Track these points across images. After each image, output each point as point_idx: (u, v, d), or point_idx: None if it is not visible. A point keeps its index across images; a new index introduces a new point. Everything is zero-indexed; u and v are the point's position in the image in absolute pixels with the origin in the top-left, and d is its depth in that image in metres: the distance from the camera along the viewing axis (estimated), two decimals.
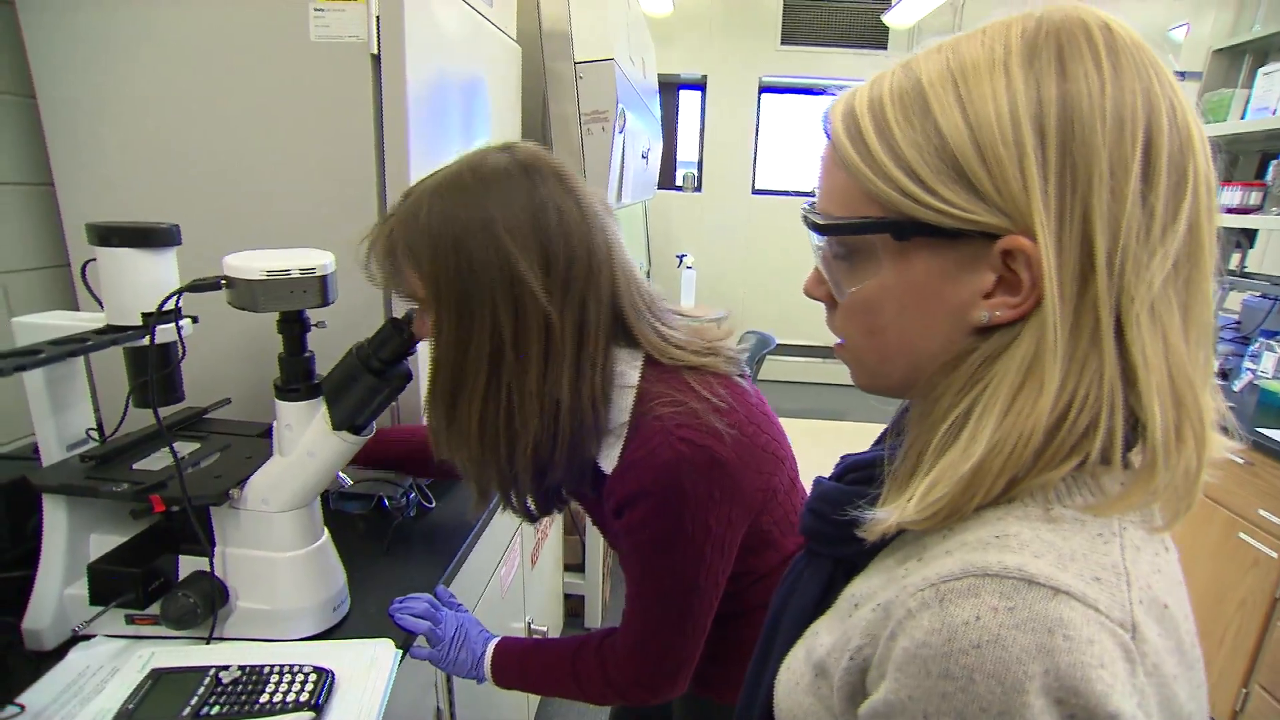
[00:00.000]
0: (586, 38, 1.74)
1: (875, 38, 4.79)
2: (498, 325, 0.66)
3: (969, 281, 0.38)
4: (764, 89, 4.96)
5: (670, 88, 4.91)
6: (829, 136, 0.42)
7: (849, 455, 0.51)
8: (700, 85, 4.90)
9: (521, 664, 0.86)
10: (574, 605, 2.29)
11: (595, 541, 2.17)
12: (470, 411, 0.70)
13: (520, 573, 1.53)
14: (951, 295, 0.38)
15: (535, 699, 1.80)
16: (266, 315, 0.79)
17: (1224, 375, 2.24)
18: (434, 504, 1.16)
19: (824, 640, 0.43)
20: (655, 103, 2.83)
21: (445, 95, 1.16)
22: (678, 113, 5.06)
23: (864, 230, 0.40)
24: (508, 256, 0.65)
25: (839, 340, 0.46)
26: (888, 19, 4.44)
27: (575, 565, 2.24)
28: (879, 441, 0.52)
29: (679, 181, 5.09)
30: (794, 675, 0.45)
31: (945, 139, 0.36)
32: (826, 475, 0.52)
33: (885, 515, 0.39)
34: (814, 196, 0.44)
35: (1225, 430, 0.39)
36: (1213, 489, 1.84)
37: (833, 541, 0.47)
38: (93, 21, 1.02)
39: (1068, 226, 0.34)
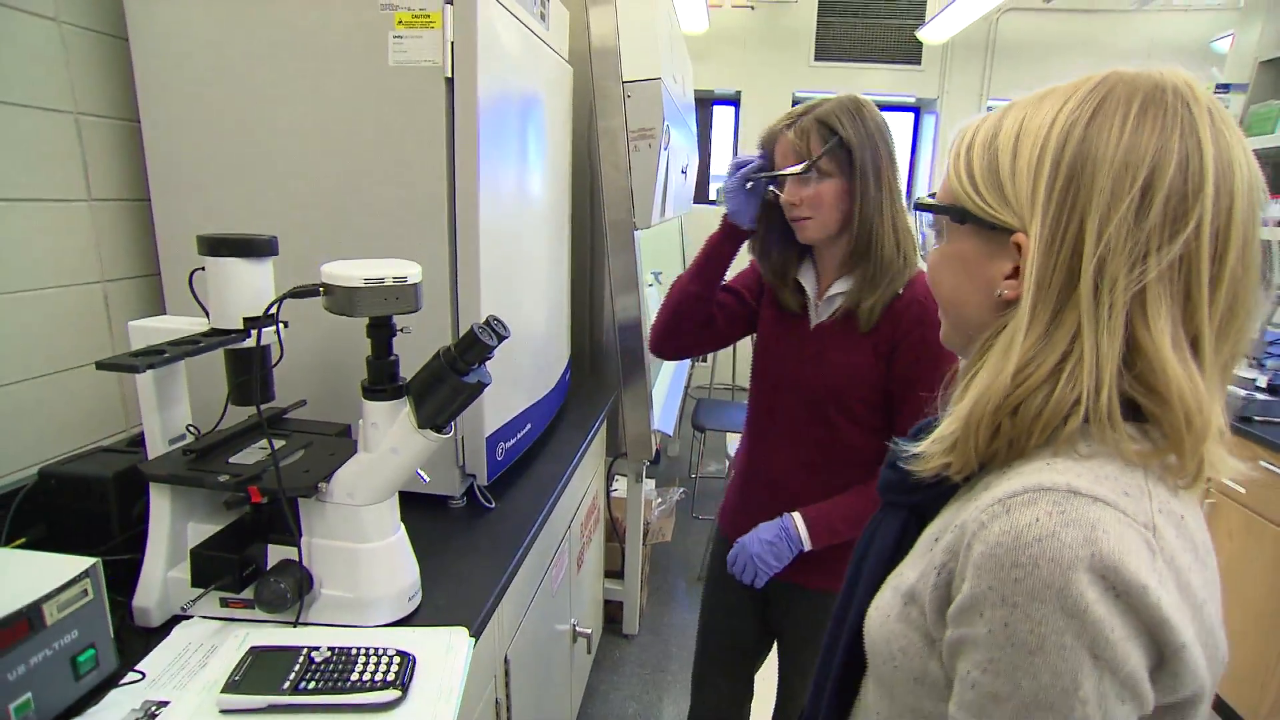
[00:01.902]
0: (634, 57, 1.81)
1: (908, 54, 4.81)
2: None
3: (996, 264, 0.51)
4: (797, 104, 5.00)
5: (704, 103, 4.98)
6: (954, 151, 0.56)
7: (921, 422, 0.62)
8: (734, 101, 4.96)
9: (829, 521, 1.08)
10: (612, 610, 2.33)
11: (634, 549, 2.21)
12: None
13: (568, 575, 1.58)
14: (984, 271, 0.52)
15: (580, 690, 1.83)
16: (341, 321, 0.85)
17: (1275, 390, 2.20)
18: (494, 505, 1.21)
19: (909, 575, 0.52)
20: (692, 118, 2.89)
21: (509, 114, 1.23)
22: (711, 127, 5.12)
23: (938, 210, 0.55)
24: None
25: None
26: (921, 35, 4.46)
27: (614, 572, 2.28)
28: None
29: (713, 195, 5.15)
30: (885, 609, 0.53)
31: (996, 164, 0.50)
32: None
33: (923, 446, 0.52)
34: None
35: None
36: (1267, 506, 1.85)
37: (907, 490, 0.56)
38: (195, 52, 1.11)
39: (1060, 234, 0.45)
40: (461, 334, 0.84)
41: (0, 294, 1.02)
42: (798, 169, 1.03)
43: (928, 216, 0.58)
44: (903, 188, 1.06)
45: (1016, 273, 0.49)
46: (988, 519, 0.44)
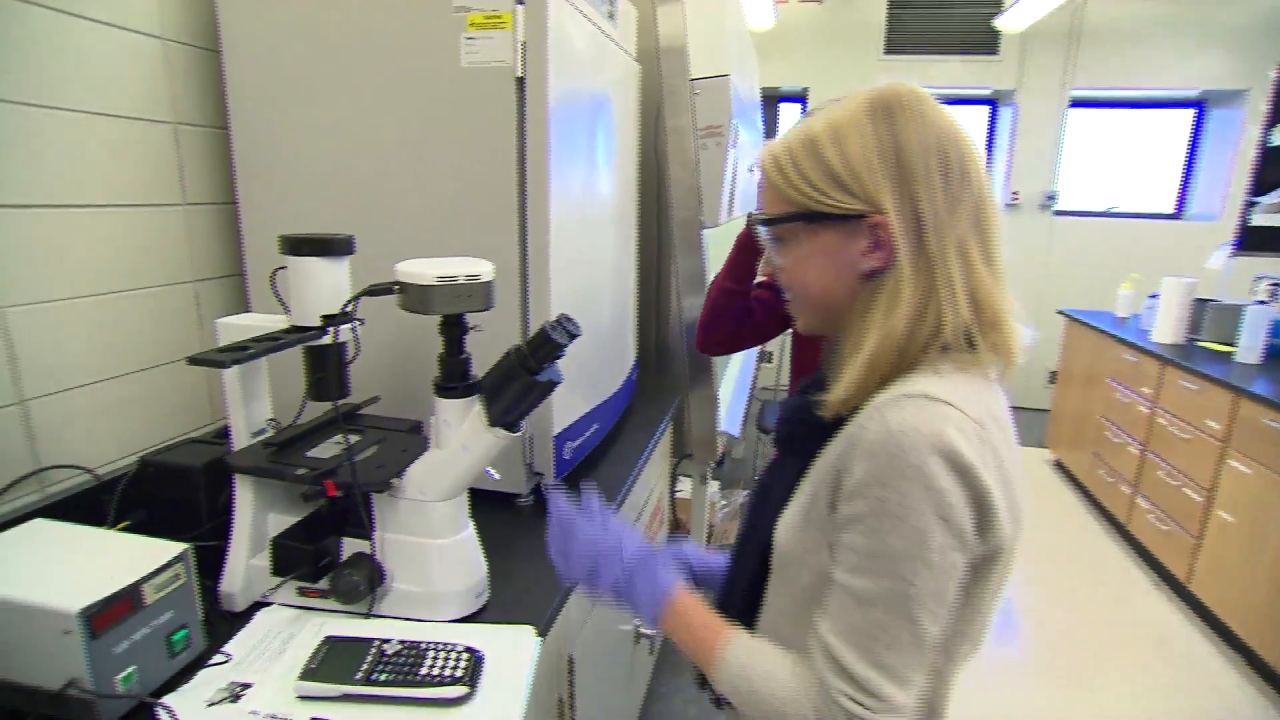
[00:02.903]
0: (701, 54, 1.79)
1: (984, 44, 4.61)
2: None
3: (854, 246, 0.61)
4: None
5: (770, 100, 4.90)
6: (763, 171, 0.66)
7: (803, 379, 0.74)
8: (801, 98, 4.86)
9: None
10: None
11: None
12: None
13: None
14: (846, 255, 0.62)
15: (641, 691, 1.82)
16: (414, 319, 0.86)
17: None
18: None
19: (809, 489, 0.64)
20: (759, 116, 2.84)
21: (578, 113, 1.23)
22: (777, 125, 5.04)
23: (791, 220, 0.64)
24: None
25: (786, 297, 0.71)
26: (999, 23, 4.26)
27: None
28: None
29: None
30: (791, 519, 0.65)
31: (831, 167, 0.61)
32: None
33: (828, 396, 0.62)
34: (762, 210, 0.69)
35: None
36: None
37: (804, 438, 0.66)
38: (280, 61, 1.16)
39: (904, 208, 0.59)
40: (531, 333, 0.84)
41: (108, 293, 1.09)
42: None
43: (767, 231, 0.67)
44: None
45: (872, 247, 0.61)
46: (867, 421, 0.57)
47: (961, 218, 0.59)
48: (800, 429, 0.68)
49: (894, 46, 4.71)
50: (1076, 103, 4.69)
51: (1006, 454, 0.58)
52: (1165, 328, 3.00)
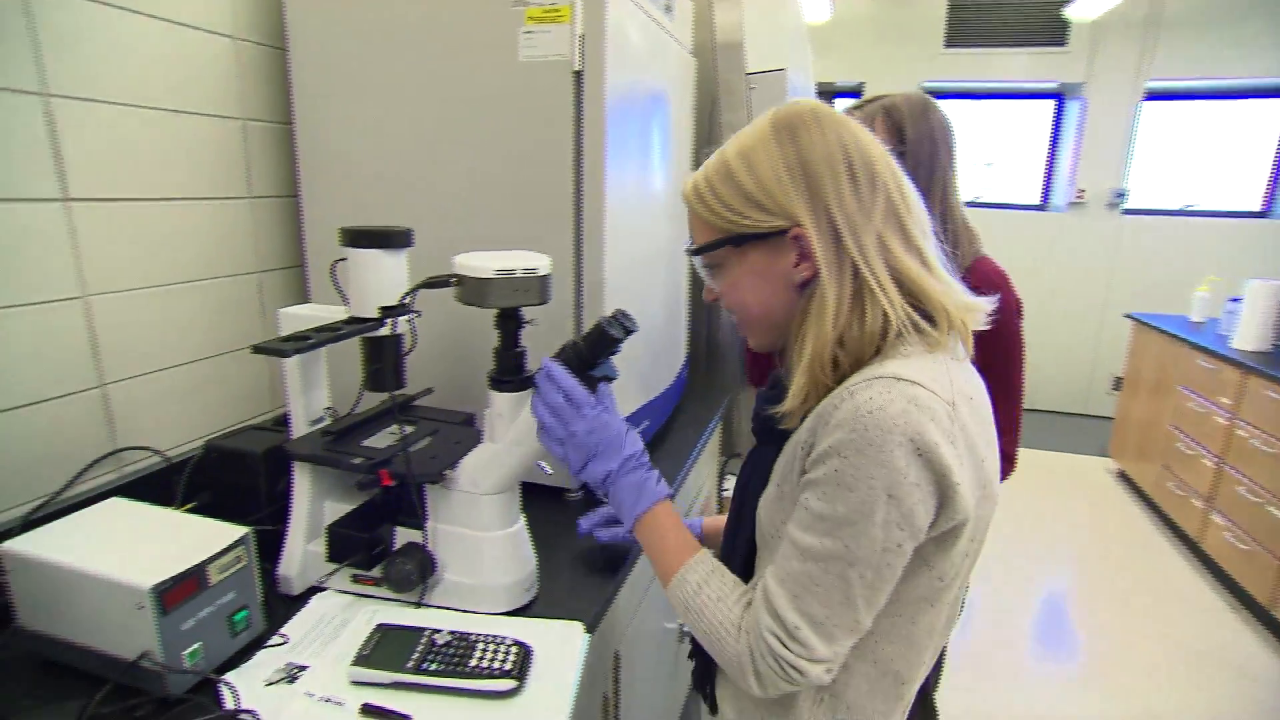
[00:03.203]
0: (758, 48, 1.76)
1: (1052, 34, 4.42)
2: None
3: (783, 260, 0.65)
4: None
5: (825, 96, 4.81)
6: (687, 203, 0.70)
7: (773, 373, 0.78)
8: (856, 94, 4.76)
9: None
10: None
11: None
12: None
13: None
14: (777, 270, 0.66)
15: (684, 690, 1.80)
16: (469, 311, 0.86)
17: None
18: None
19: (782, 466, 0.67)
20: None
21: (635, 107, 1.22)
22: None
23: (719, 246, 0.68)
24: None
25: (734, 320, 0.75)
26: (1069, 12, 4.08)
27: None
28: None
29: None
30: (768, 498, 0.69)
31: (746, 189, 0.65)
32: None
33: (782, 407, 0.66)
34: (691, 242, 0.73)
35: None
36: None
37: (773, 428, 0.70)
38: (343, 57, 1.18)
39: (819, 217, 0.62)
40: (586, 327, 0.83)
41: (179, 283, 1.13)
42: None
43: (700, 261, 0.71)
44: (961, 185, 1.10)
45: (800, 259, 0.64)
46: (839, 401, 0.60)
47: (876, 216, 0.62)
48: (772, 419, 0.71)
49: (955, 39, 4.56)
50: (1152, 95, 4.45)
51: (977, 431, 0.62)
52: (1249, 334, 2.83)
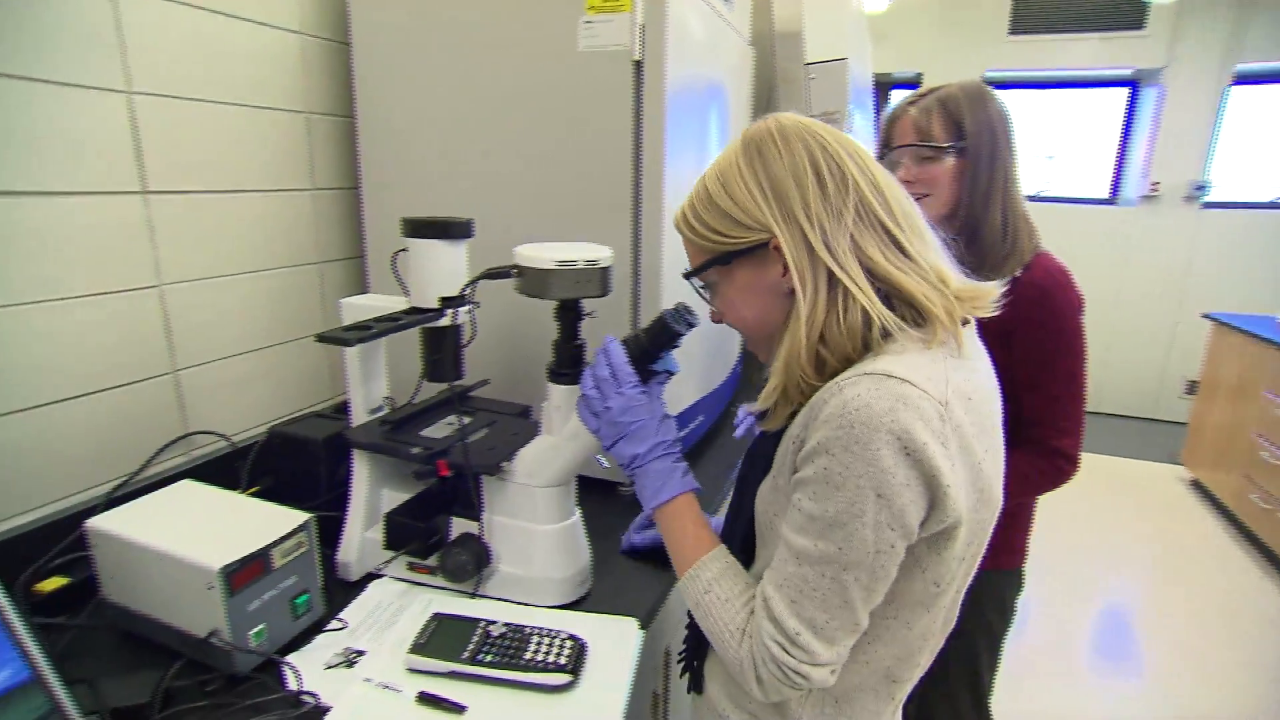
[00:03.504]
0: (818, 37, 1.71)
1: (1127, 17, 4.19)
2: None
3: (769, 272, 0.67)
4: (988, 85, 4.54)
5: (882, 88, 4.68)
6: (679, 232, 0.73)
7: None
8: (914, 85, 4.61)
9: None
10: None
11: None
12: None
13: None
14: (766, 282, 0.67)
15: None
16: (527, 303, 0.86)
17: None
18: None
19: (777, 458, 0.68)
20: (870, 103, 2.70)
21: (694, 97, 1.20)
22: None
23: (709, 266, 0.71)
24: None
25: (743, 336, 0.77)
26: None
27: None
28: None
29: None
30: (764, 488, 0.71)
31: (724, 210, 0.67)
32: None
33: (755, 404, 0.70)
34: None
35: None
36: None
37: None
38: (406, 53, 1.19)
39: (791, 226, 0.64)
40: (643, 321, 0.82)
41: (244, 273, 1.16)
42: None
43: (696, 283, 0.73)
44: (1020, 176, 1.07)
45: (785, 269, 0.65)
46: (829, 396, 0.60)
47: (848, 218, 0.63)
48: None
49: (1020, 25, 4.37)
50: (1241, 79, 4.18)
51: (972, 431, 0.61)
52: None
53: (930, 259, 0.65)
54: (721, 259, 0.69)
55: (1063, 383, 1.03)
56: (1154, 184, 4.37)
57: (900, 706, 0.75)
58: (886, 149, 1.11)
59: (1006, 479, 0.68)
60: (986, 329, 1.00)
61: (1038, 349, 1.03)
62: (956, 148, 1.03)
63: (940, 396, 0.58)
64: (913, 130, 1.06)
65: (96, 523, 0.80)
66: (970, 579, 0.70)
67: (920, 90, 1.10)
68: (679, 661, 0.86)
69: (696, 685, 0.83)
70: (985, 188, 1.03)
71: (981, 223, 1.04)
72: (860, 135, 2.01)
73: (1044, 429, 1.03)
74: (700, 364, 1.38)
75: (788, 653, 0.61)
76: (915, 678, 0.72)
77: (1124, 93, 4.54)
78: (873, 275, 0.63)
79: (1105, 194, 4.69)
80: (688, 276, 0.73)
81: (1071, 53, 4.32)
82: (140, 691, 0.71)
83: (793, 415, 0.67)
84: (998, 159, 1.03)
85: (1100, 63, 4.32)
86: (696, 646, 0.82)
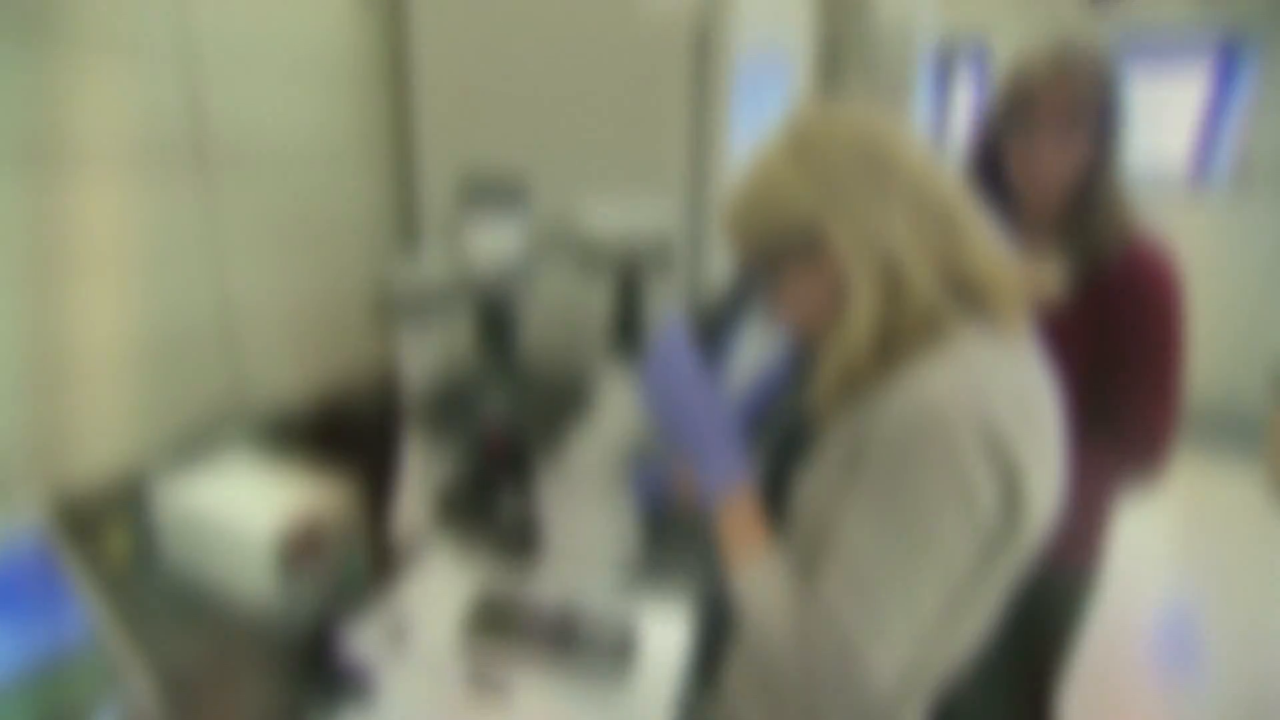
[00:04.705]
0: (886, 3, 1.61)
1: None
2: None
3: (822, 268, 0.63)
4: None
5: (945, 54, 4.46)
6: (729, 237, 0.70)
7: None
8: (981, 49, 4.37)
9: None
10: None
11: None
12: None
13: None
14: (819, 280, 0.64)
15: None
16: (585, 277, 0.82)
17: None
18: None
19: (828, 453, 0.65)
20: (933, 71, 2.57)
21: (758, 63, 1.14)
22: (953, 80, 4.58)
23: (760, 265, 0.68)
24: None
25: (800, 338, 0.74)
26: None
27: None
28: None
29: None
30: (810, 480, 0.67)
31: (772, 211, 0.65)
32: None
33: (812, 396, 0.67)
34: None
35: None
36: None
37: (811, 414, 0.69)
38: (465, 20, 1.17)
39: (840, 219, 0.62)
40: (703, 297, 0.78)
41: (299, 242, 1.16)
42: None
43: (749, 282, 0.71)
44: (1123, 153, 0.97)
45: (839, 262, 0.62)
46: (897, 391, 0.57)
47: (896, 207, 0.61)
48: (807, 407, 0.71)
49: None
50: None
51: (1046, 431, 0.59)
52: None
53: (988, 245, 0.62)
54: (773, 256, 0.67)
55: (1154, 378, 0.95)
56: (1248, 163, 4.07)
57: (926, 698, 0.70)
58: (1012, 119, 0.98)
59: (1088, 474, 0.64)
60: (1079, 316, 0.93)
61: (1126, 339, 0.95)
62: (1095, 118, 0.92)
63: (1016, 391, 0.57)
64: (1064, 104, 0.93)
65: (159, 489, 0.81)
66: (1019, 583, 0.66)
67: (1057, 49, 0.96)
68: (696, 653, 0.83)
69: (710, 679, 0.80)
70: (1100, 160, 0.94)
71: (1089, 204, 0.96)
72: (920, 104, 1.91)
73: (1134, 426, 0.95)
74: (759, 344, 1.33)
75: (849, 658, 0.57)
76: (945, 673, 0.68)
77: (1209, 62, 4.22)
78: (931, 260, 0.60)
79: (1185, 173, 4.39)
80: (739, 277, 0.71)
81: (1158, 12, 4.02)
82: (197, 656, 0.72)
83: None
84: (1113, 133, 0.94)
85: (1189, 24, 4.02)
86: (713, 639, 0.79)
